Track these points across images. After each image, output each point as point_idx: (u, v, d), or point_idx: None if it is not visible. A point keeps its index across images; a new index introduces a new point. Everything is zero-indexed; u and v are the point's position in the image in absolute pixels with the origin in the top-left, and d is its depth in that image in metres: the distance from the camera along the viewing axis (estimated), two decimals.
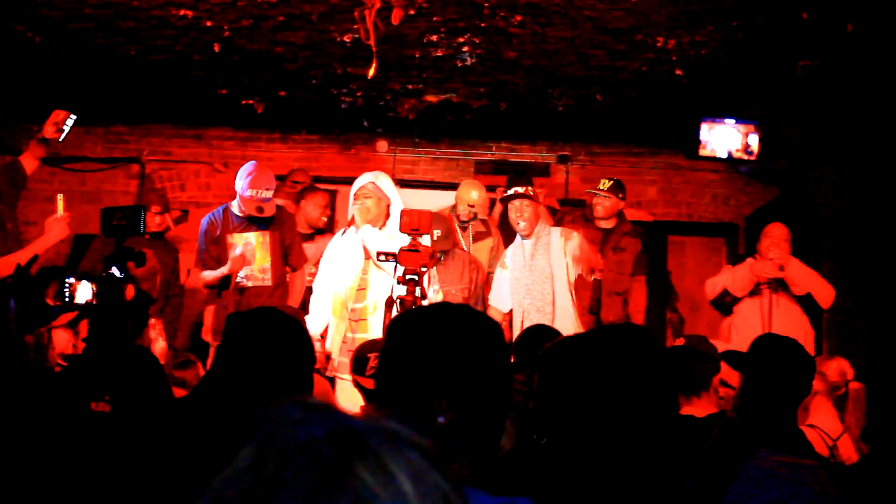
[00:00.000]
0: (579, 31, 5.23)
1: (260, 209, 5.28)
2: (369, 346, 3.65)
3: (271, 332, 2.28)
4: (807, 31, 4.97)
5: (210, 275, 5.41)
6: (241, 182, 5.31)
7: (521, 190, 5.57)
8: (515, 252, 5.63)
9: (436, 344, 1.41)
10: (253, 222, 5.35)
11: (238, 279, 5.38)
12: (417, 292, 4.07)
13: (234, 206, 5.42)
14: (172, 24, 5.25)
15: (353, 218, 5.02)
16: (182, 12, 5.04)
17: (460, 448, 1.37)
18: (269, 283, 5.36)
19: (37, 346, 4.08)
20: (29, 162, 4.91)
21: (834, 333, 6.60)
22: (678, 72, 5.82)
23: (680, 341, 4.27)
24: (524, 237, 5.58)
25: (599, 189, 6.10)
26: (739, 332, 5.46)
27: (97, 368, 2.61)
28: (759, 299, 5.58)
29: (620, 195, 6.14)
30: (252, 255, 5.36)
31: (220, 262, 5.35)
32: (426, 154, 7.98)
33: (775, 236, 5.60)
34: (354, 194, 5.04)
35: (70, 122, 4.79)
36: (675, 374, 1.67)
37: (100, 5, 4.99)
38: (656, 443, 1.49)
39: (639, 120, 7.19)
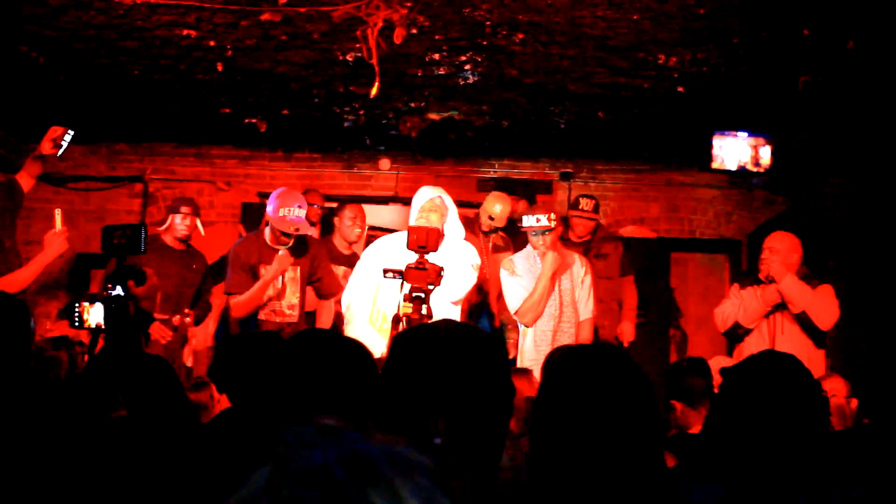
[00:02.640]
0: (581, 49, 5.25)
1: (296, 228, 5.18)
2: None
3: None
4: (808, 48, 4.98)
5: (251, 291, 5.19)
6: (272, 205, 5.23)
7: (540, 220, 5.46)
8: (531, 265, 5.52)
9: (434, 363, 1.39)
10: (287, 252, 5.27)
11: (262, 316, 5.26)
12: (424, 310, 4.06)
13: (267, 236, 5.34)
14: (176, 44, 5.27)
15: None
16: (185, 32, 5.06)
17: (459, 468, 1.35)
18: (295, 319, 5.29)
19: (72, 362, 4.06)
20: (25, 180, 4.91)
21: (839, 351, 6.54)
22: (680, 89, 5.83)
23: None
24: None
25: (584, 210, 6.16)
26: (743, 355, 5.34)
27: (111, 380, 2.61)
28: (763, 322, 5.45)
29: (600, 212, 6.35)
30: (283, 291, 5.28)
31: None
32: (429, 172, 7.99)
33: (772, 249, 5.43)
34: (420, 207, 4.97)
35: (68, 137, 4.78)
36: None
37: (103, 25, 5.01)
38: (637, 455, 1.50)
39: (641, 137, 7.20)
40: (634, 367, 1.49)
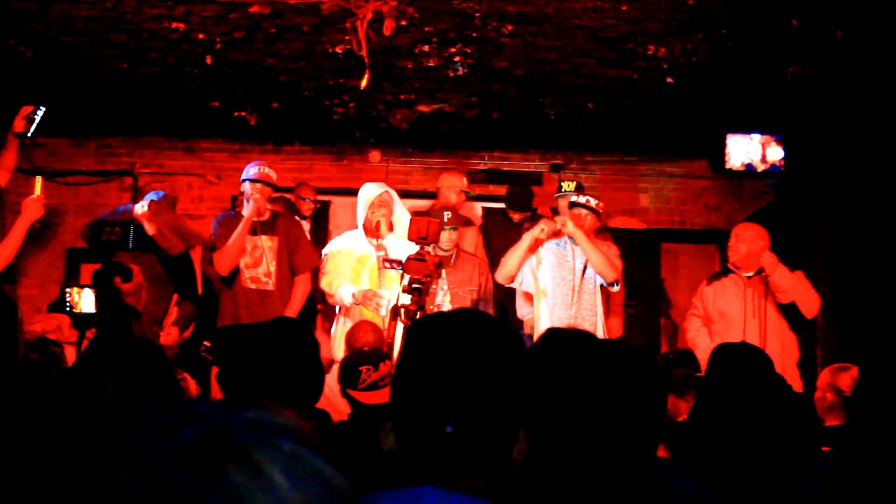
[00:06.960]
0: (570, 40, 5.25)
1: (270, 185, 5.38)
2: (360, 357, 3.61)
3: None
4: (797, 38, 4.99)
5: (231, 239, 5.27)
6: (245, 171, 5.49)
7: (586, 202, 5.58)
8: (562, 255, 5.57)
9: (449, 350, 1.38)
10: (262, 229, 5.38)
11: (245, 278, 5.35)
12: (421, 301, 4.08)
13: (245, 211, 5.44)
14: (164, 37, 5.25)
15: (376, 226, 5.10)
16: (174, 25, 5.04)
17: (469, 459, 1.35)
18: (271, 288, 5.34)
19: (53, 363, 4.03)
20: (0, 174, 4.93)
21: (832, 343, 6.56)
22: (669, 80, 5.84)
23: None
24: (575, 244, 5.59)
25: (567, 191, 6.15)
26: (723, 338, 5.38)
27: (103, 366, 2.60)
28: (743, 307, 5.45)
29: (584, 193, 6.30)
30: (260, 259, 5.36)
31: None
32: (419, 164, 7.99)
33: (738, 237, 5.50)
34: (370, 204, 5.08)
35: (39, 113, 4.82)
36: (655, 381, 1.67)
37: (91, 18, 4.99)
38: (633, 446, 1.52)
39: (630, 128, 7.21)
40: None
